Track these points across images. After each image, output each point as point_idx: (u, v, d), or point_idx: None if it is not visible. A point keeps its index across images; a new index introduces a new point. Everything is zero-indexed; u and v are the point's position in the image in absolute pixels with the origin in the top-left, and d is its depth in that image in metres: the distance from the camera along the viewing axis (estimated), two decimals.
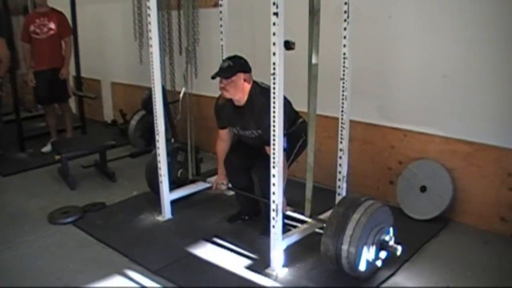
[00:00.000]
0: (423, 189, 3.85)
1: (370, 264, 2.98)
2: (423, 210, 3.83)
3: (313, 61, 2.82)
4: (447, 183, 3.76)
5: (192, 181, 4.26)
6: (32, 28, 5.58)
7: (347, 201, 3.07)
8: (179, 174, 4.27)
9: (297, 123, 3.51)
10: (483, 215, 3.73)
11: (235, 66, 3.30)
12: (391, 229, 3.09)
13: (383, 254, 3.03)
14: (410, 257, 3.32)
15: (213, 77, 3.36)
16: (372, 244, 2.93)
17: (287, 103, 3.15)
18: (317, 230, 3.51)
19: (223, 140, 3.74)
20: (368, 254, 2.92)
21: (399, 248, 2.98)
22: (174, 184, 4.17)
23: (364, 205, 2.96)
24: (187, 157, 4.21)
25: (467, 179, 3.77)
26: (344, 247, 2.85)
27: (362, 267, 2.93)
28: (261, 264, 3.26)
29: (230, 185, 3.86)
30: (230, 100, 3.44)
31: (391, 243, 3.01)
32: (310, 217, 3.23)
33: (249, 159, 3.66)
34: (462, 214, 3.83)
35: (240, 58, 3.40)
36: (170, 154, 4.05)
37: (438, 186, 3.79)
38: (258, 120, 3.29)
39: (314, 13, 2.76)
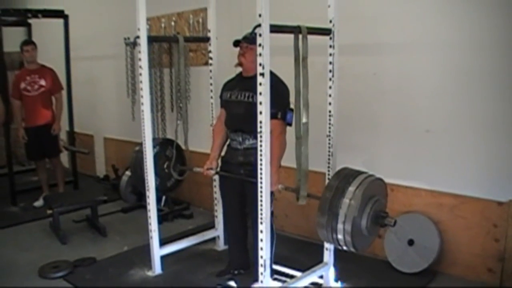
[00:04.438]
0: (410, 242, 3.88)
1: (366, 237, 2.93)
2: (411, 263, 3.85)
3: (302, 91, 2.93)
4: (434, 236, 3.81)
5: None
6: (23, 85, 5.66)
7: (341, 175, 2.97)
8: (165, 166, 4.28)
9: None
10: (470, 266, 3.76)
11: None
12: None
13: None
14: None
15: (236, 44, 3.44)
16: (368, 217, 2.84)
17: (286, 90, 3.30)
18: (309, 285, 3.54)
19: (222, 120, 3.70)
20: (364, 228, 2.86)
21: (394, 220, 2.92)
22: (159, 178, 4.16)
23: (360, 177, 2.90)
24: (176, 154, 4.23)
25: (453, 231, 3.83)
26: (340, 226, 2.77)
27: (359, 241, 2.87)
28: None
29: (218, 170, 3.77)
30: (240, 75, 3.57)
31: (386, 216, 2.95)
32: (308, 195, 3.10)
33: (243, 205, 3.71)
34: (450, 266, 3.86)
35: None
36: (160, 145, 4.20)
37: (426, 239, 3.83)
38: None
39: (301, 59, 2.91)
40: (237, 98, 3.52)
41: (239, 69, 3.59)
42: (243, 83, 3.49)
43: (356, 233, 2.81)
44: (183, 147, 4.24)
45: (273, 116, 3.05)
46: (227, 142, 3.70)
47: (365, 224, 2.84)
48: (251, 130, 3.06)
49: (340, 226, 2.79)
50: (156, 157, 4.00)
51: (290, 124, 3.24)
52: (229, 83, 3.69)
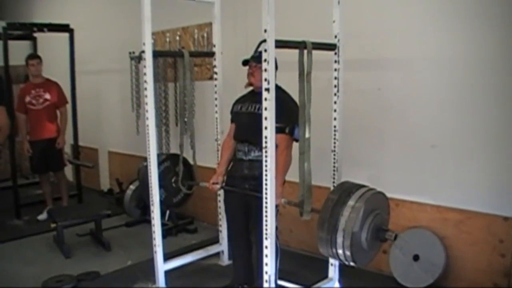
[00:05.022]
0: (416, 257, 3.86)
1: (366, 252, 2.89)
2: (416, 278, 3.83)
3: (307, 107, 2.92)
4: (439, 251, 3.78)
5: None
6: (28, 99, 5.70)
7: (341, 188, 2.95)
8: (173, 180, 4.24)
9: None
10: (476, 282, 3.73)
11: None
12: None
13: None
14: None
15: (244, 63, 3.46)
16: (368, 231, 2.80)
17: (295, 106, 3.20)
18: None
19: (231, 136, 3.70)
20: (364, 242, 2.82)
21: (394, 234, 2.87)
22: (167, 193, 4.16)
23: (360, 191, 2.87)
24: (185, 169, 4.19)
25: (459, 246, 3.80)
26: (339, 240, 2.74)
27: (358, 255, 2.83)
28: None
29: (224, 185, 3.73)
30: (252, 91, 3.57)
31: (387, 230, 2.90)
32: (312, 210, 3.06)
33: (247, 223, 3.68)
34: (455, 282, 3.83)
35: None
36: (170, 160, 4.17)
37: (431, 254, 3.81)
38: None
39: (305, 74, 2.90)
40: (247, 109, 3.53)
41: (248, 89, 3.60)
42: (254, 97, 3.48)
43: (356, 247, 2.78)
44: (191, 162, 4.22)
45: (281, 130, 3.09)
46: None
47: (365, 238, 2.82)
48: (257, 141, 3.05)
49: (339, 240, 2.76)
50: (165, 172, 4.00)
51: (297, 140, 3.23)
52: (241, 98, 3.70)
